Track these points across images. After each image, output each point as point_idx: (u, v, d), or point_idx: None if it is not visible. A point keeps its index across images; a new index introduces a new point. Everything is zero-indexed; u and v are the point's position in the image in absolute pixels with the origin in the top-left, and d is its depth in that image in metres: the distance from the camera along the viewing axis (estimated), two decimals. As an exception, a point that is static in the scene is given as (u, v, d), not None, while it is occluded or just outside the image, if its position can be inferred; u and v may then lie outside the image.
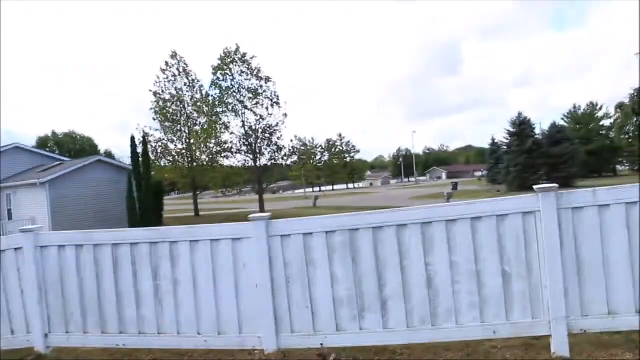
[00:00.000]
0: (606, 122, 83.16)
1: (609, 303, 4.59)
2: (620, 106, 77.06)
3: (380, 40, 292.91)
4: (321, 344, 4.96)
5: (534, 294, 4.67)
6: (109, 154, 77.28)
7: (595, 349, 4.81)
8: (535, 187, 4.73)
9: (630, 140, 76.09)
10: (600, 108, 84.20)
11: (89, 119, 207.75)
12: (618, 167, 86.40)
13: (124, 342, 5.43)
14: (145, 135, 28.89)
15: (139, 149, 27.37)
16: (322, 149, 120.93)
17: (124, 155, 26.30)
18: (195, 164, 42.03)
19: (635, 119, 74.39)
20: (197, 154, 41.26)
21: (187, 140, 41.50)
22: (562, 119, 77.06)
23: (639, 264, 4.53)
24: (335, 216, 5.04)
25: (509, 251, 4.70)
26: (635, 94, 71.52)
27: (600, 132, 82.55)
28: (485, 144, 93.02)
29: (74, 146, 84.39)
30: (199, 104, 41.24)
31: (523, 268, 4.68)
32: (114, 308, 5.44)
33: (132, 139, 27.17)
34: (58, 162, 30.54)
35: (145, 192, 26.54)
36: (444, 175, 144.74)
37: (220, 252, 5.15)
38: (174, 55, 42.50)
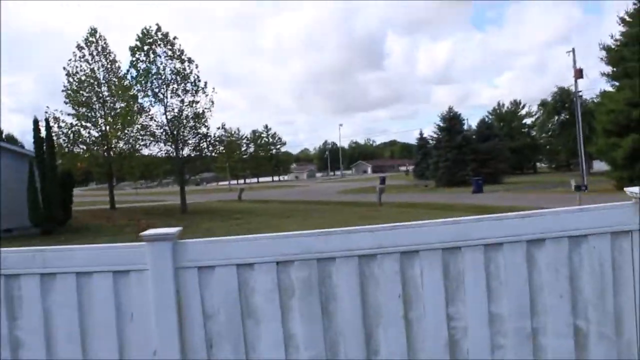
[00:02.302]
0: (528, 121, 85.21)
1: None
2: (543, 104, 78.57)
3: (302, 30, 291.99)
4: None
5: (626, 366, 2.81)
6: (10, 139, 71.45)
7: None
8: (628, 190, 2.84)
9: (550, 138, 77.94)
10: (523, 106, 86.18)
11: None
12: (538, 164, 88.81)
13: None
14: (47, 119, 25.55)
15: (44, 134, 24.22)
16: (247, 140, 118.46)
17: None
18: (112, 152, 38.81)
19: (556, 118, 76.05)
20: (114, 141, 38.05)
21: (105, 127, 38.21)
22: (486, 116, 77.67)
23: None
24: (292, 235, 2.95)
25: (586, 295, 2.80)
26: (558, 93, 73.02)
27: (522, 130, 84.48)
28: (408, 139, 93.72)
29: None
30: (115, 87, 37.96)
31: (609, 323, 2.80)
32: None
33: (35, 122, 23.97)
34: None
35: (50, 182, 23.44)
36: (369, 169, 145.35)
37: (93, 293, 2.99)
38: (93, 33, 39.05)
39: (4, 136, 73.46)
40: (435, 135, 58.97)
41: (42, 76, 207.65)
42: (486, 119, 68.88)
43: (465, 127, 59.02)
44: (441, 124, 56.57)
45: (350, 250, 2.81)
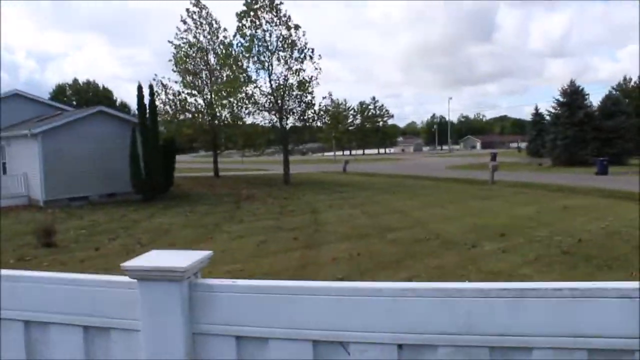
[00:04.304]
0: (658, 97, 78.31)
1: None
2: (679, 79, 71.43)
3: (411, 2, 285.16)
4: None
5: None
6: (123, 106, 74.15)
7: None
8: None
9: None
10: (654, 81, 79.24)
11: (116, 70, 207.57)
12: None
13: None
14: (151, 85, 24.96)
15: (147, 100, 23.78)
16: (354, 111, 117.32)
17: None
18: (217, 120, 38.66)
19: (693, 94, 69.05)
20: (219, 109, 37.85)
21: (210, 95, 38.07)
22: (610, 91, 71.53)
23: None
24: (429, 290, 1.35)
25: None
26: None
27: (653, 108, 77.81)
28: (519, 114, 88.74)
29: (93, 96, 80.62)
30: (222, 54, 37.56)
31: None
32: None
33: (139, 88, 23.49)
34: (57, 112, 26.95)
35: (152, 149, 23.08)
36: (478, 145, 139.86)
37: (52, 356, 1.64)
38: (196, 3, 38.82)
39: (118, 104, 76.73)
40: (553, 111, 54.64)
41: (159, 49, 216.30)
42: (612, 95, 63.34)
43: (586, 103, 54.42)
44: (561, 99, 52.25)
45: (570, 334, 1.24)
